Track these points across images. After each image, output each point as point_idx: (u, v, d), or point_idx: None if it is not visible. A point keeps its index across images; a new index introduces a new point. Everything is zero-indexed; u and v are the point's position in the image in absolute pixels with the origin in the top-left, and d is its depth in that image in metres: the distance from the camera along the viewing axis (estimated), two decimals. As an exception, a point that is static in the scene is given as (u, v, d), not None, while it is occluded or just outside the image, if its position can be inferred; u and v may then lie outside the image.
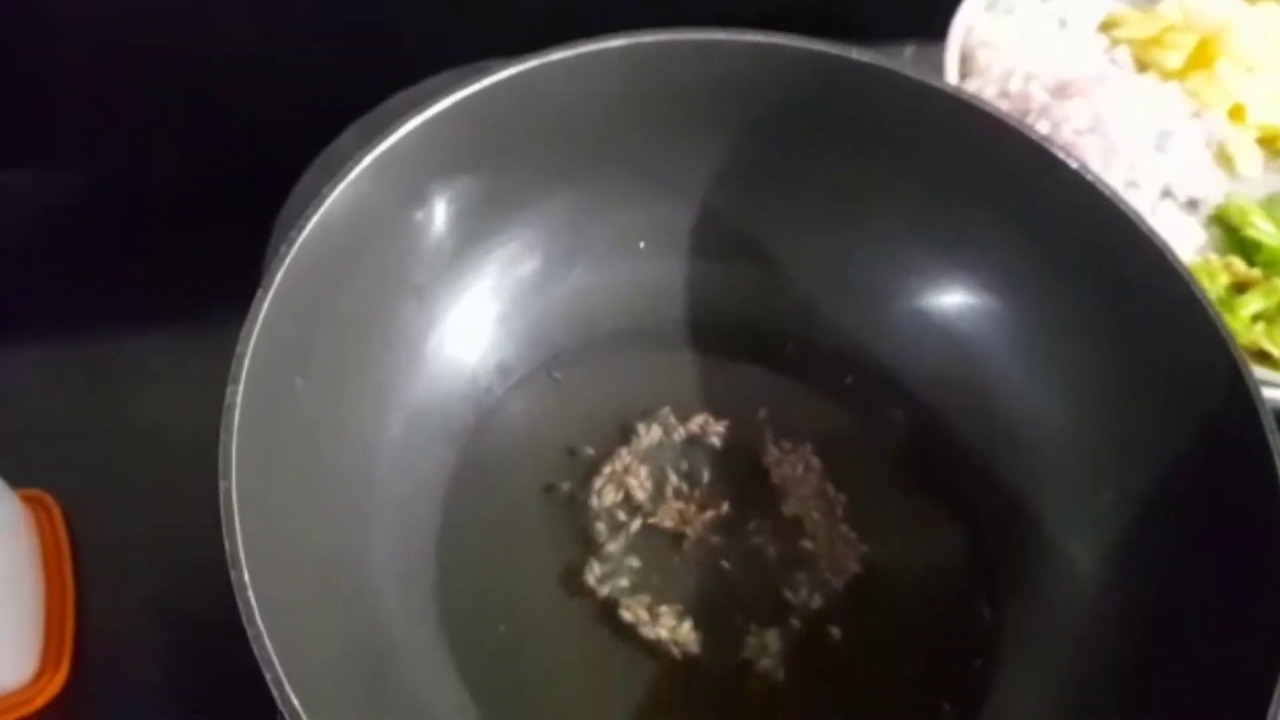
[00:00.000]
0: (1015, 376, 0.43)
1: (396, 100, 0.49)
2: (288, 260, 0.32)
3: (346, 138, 0.49)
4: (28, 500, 0.41)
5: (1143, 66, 0.56)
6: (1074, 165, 0.38)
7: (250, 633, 0.27)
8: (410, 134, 0.34)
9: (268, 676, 0.27)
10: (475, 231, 0.40)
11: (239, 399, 0.30)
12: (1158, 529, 0.38)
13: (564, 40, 0.48)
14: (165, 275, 0.49)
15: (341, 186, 0.33)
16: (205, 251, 0.49)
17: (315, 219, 0.32)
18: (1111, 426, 0.40)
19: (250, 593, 0.27)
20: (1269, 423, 0.34)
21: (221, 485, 0.28)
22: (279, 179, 0.47)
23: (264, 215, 0.46)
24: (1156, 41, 0.56)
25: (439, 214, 0.38)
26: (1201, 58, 0.56)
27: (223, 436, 0.29)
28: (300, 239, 0.32)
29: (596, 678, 0.38)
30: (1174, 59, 0.55)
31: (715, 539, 0.41)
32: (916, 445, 0.44)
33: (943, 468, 0.43)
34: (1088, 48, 0.55)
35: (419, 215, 0.37)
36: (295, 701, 0.26)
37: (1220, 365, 0.36)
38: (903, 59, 0.60)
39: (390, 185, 0.35)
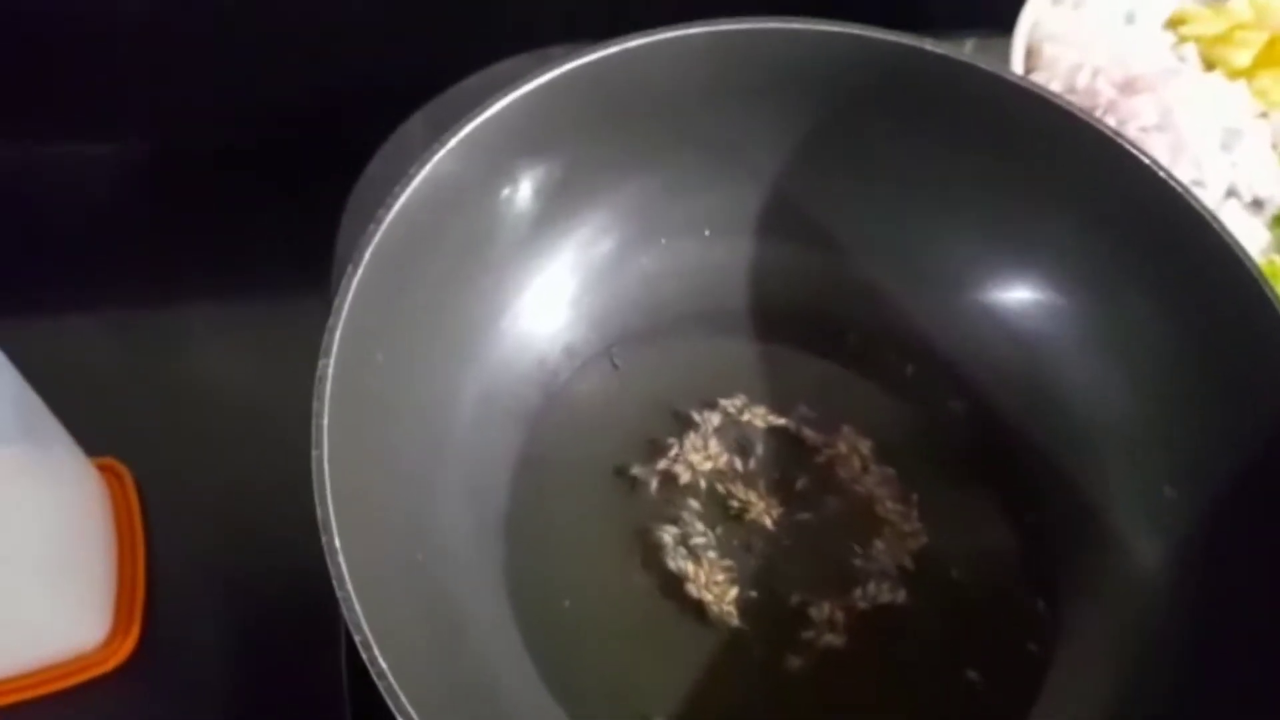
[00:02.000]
0: (1079, 372, 0.43)
1: (467, 84, 0.50)
2: (377, 238, 0.32)
3: (415, 121, 0.50)
4: (101, 468, 0.42)
5: (1210, 65, 0.55)
6: (1145, 160, 0.38)
7: (340, 595, 0.28)
8: (493, 116, 0.35)
9: (357, 639, 0.27)
10: (551, 213, 0.40)
11: (330, 370, 0.30)
12: (1220, 531, 0.38)
13: (627, 27, 0.49)
14: (231, 246, 0.50)
15: (429, 167, 0.34)
16: (270, 223, 0.51)
17: (404, 198, 0.33)
18: (1175, 424, 0.40)
19: (341, 557, 0.28)
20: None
21: (314, 454, 0.29)
22: (343, 152, 0.48)
23: (329, 188, 0.47)
24: (1224, 39, 0.55)
25: (521, 193, 0.39)
26: (1271, 56, 0.55)
27: (315, 407, 0.30)
28: (389, 218, 0.33)
29: (661, 652, 0.39)
30: (1242, 57, 0.55)
31: (778, 523, 0.42)
32: (977, 438, 0.44)
33: (1003, 462, 0.44)
34: (1155, 44, 0.55)
35: (504, 193, 0.38)
36: (383, 663, 0.27)
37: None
38: (963, 51, 0.60)
39: (474, 165, 0.36)
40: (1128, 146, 0.38)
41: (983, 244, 0.44)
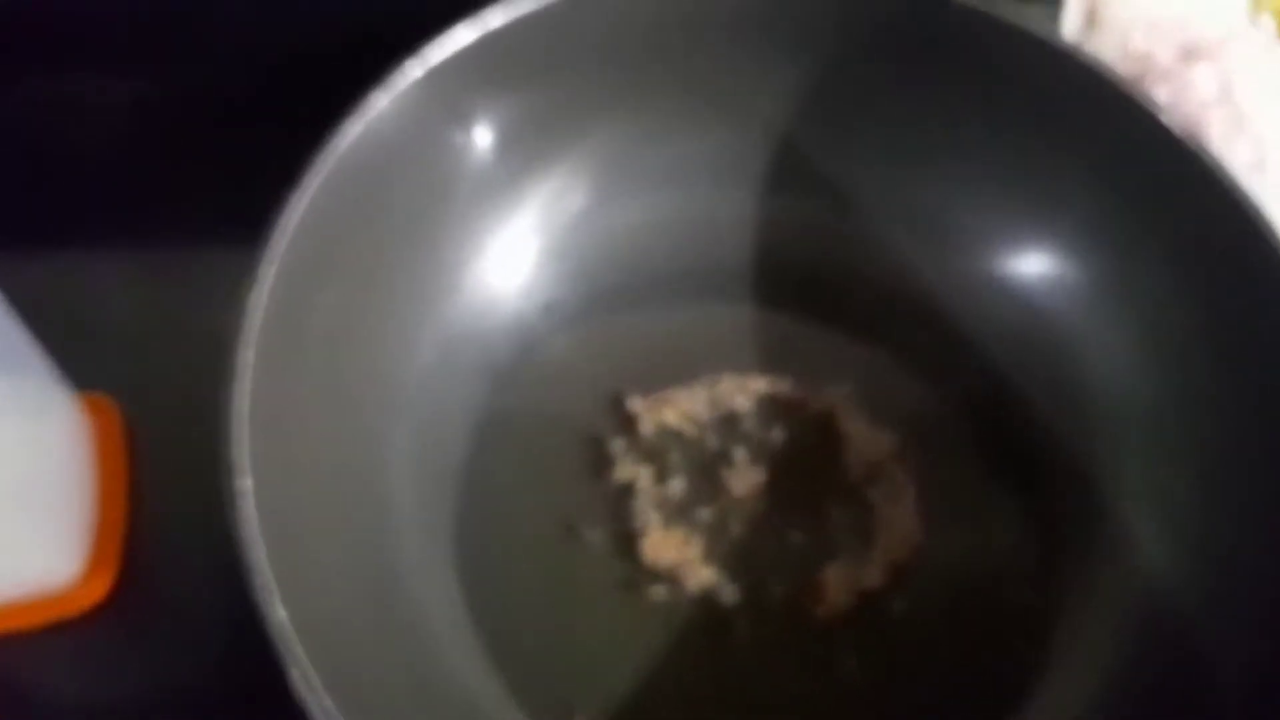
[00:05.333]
0: (1101, 358, 0.40)
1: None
2: (328, 166, 0.31)
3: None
4: (88, 403, 0.41)
5: (1287, 36, 0.51)
6: (1175, 131, 0.35)
7: (244, 535, 0.27)
8: (463, 49, 0.33)
9: (255, 581, 0.26)
10: (526, 157, 0.38)
11: (263, 301, 0.30)
12: (1238, 543, 0.36)
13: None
14: (240, 189, 0.48)
15: (388, 99, 0.32)
16: (281, 167, 0.49)
17: (360, 128, 0.32)
18: (1200, 424, 0.37)
19: (251, 500, 0.27)
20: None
21: (235, 388, 0.28)
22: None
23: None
24: (1306, 8, 0.51)
25: (487, 135, 0.37)
26: (1356, 31, 0.51)
27: (242, 339, 0.29)
28: (342, 147, 0.32)
29: (610, 618, 0.37)
30: (1323, 31, 0.51)
31: (757, 494, 0.40)
32: (987, 418, 0.41)
33: (1012, 446, 0.41)
34: (1226, 11, 0.51)
35: (465, 135, 0.36)
36: (283, 613, 0.26)
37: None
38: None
39: (437, 101, 0.34)
40: (1155, 113, 0.35)
41: (1006, 210, 0.41)
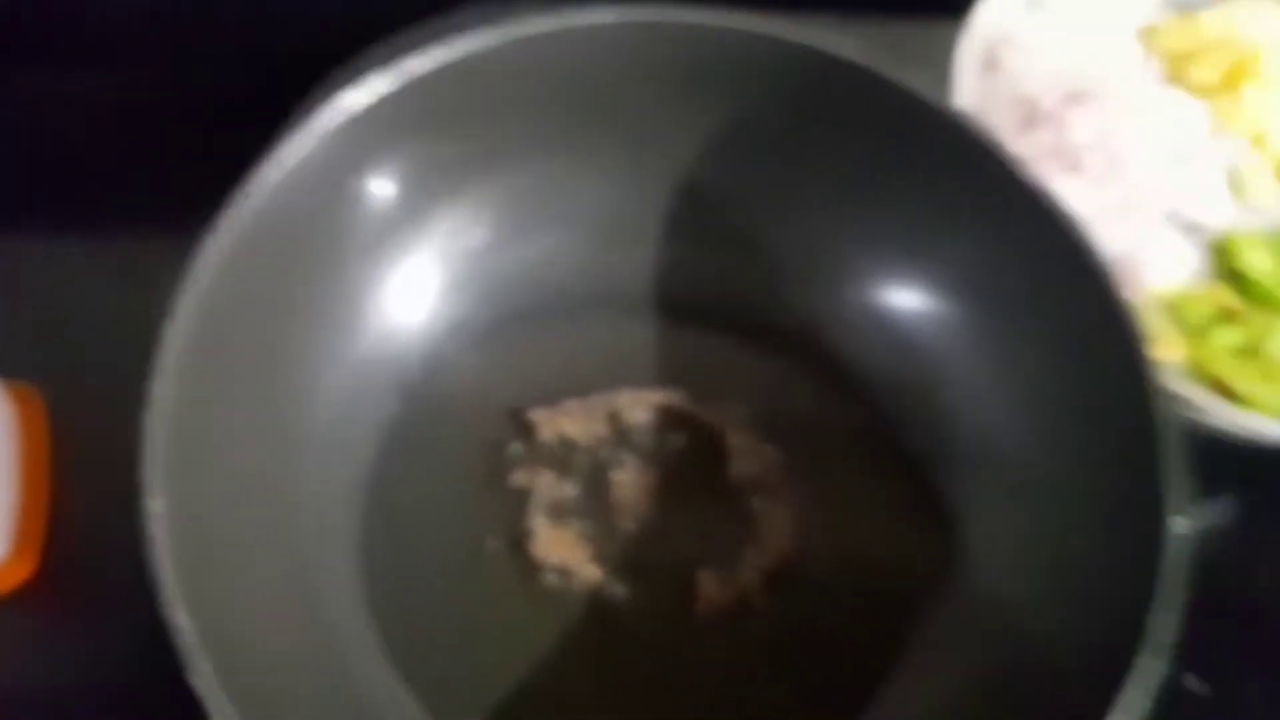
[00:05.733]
0: (962, 388, 0.43)
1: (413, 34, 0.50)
2: (245, 208, 0.33)
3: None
4: (12, 391, 0.42)
5: (1175, 81, 0.54)
6: (1030, 183, 0.38)
7: (157, 560, 0.29)
8: (382, 97, 0.35)
9: (161, 591, 0.29)
10: (431, 195, 0.41)
11: (180, 331, 0.32)
12: (1081, 558, 0.39)
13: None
14: (190, 185, 0.49)
15: (305, 144, 0.34)
16: (237, 163, 0.50)
17: (276, 172, 0.34)
18: (1051, 456, 0.40)
19: (162, 521, 0.29)
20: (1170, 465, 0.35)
21: (150, 413, 0.30)
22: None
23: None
24: (1192, 55, 0.54)
25: (395, 175, 0.39)
26: (1237, 77, 0.54)
27: (158, 370, 0.31)
28: (258, 190, 0.34)
29: (510, 623, 0.40)
30: (1208, 75, 0.54)
31: (647, 501, 0.42)
32: (870, 441, 0.45)
33: (892, 467, 0.44)
34: (1117, 55, 0.54)
35: (374, 176, 0.38)
36: (186, 620, 0.29)
37: (1139, 400, 0.36)
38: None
39: (352, 145, 0.36)
40: (1011, 164, 0.38)
41: (887, 248, 0.44)
